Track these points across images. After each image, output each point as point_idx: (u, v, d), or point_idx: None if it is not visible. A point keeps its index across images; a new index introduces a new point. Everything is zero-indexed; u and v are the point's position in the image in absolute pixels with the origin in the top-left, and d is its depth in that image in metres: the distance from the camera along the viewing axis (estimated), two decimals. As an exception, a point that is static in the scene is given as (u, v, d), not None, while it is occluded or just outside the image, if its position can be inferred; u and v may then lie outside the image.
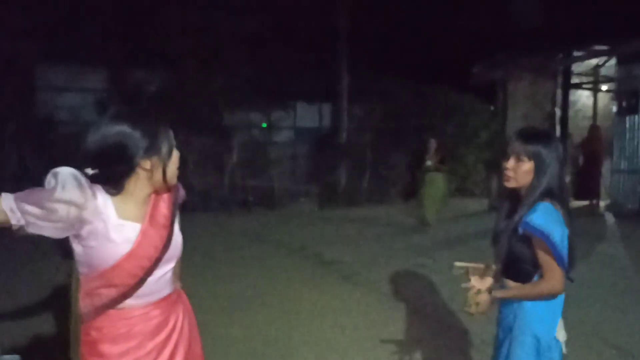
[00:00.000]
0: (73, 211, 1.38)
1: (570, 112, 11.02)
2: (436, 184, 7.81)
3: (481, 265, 1.95)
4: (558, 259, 1.76)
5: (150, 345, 1.57)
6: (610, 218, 9.10)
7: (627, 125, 9.20)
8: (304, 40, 10.64)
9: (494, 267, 1.95)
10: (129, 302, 1.53)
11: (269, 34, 10.01)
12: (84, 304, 1.56)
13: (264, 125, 11.30)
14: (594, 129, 10.42)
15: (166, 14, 9.51)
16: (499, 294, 1.89)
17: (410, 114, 11.51)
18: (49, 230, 1.37)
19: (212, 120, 9.92)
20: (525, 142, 1.87)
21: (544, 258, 1.79)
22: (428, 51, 11.79)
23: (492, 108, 11.85)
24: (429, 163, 7.84)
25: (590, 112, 11.55)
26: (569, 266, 1.83)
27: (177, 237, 1.65)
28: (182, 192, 1.71)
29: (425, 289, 4.91)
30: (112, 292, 1.51)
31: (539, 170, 1.84)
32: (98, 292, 1.51)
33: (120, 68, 9.92)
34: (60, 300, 3.99)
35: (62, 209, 1.36)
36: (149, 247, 1.52)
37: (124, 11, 9.48)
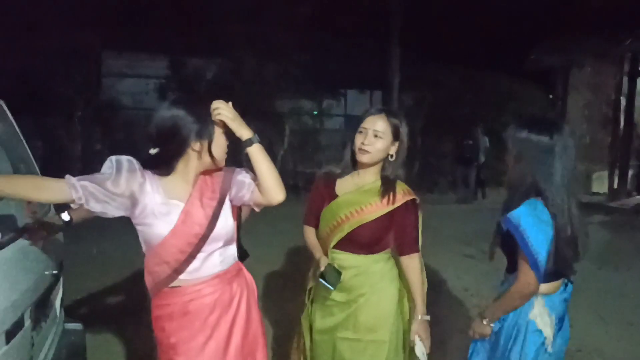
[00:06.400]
0: (126, 192, 1.55)
1: (637, 101, 10.39)
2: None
3: None
4: (530, 259, 1.64)
5: (205, 321, 1.66)
6: (677, 214, 8.57)
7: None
8: (355, 27, 10.60)
9: None
10: (182, 278, 1.63)
11: (320, 22, 10.06)
12: (147, 281, 1.69)
13: (315, 112, 11.42)
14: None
15: (222, 3, 9.77)
16: (486, 318, 1.86)
17: (462, 101, 11.24)
18: (107, 207, 1.53)
19: (264, 107, 10.14)
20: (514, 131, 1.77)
21: (519, 255, 1.70)
22: (482, 35, 11.36)
23: (550, 96, 11.36)
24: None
25: (659, 101, 10.87)
26: (567, 271, 1.76)
27: (226, 219, 1.69)
28: (238, 177, 1.72)
29: (473, 280, 4.87)
30: (165, 269, 1.62)
31: (519, 161, 1.74)
32: (154, 269, 1.64)
33: (179, 56, 10.33)
34: (124, 274, 4.30)
35: (117, 190, 1.53)
36: (193, 224, 1.60)
37: (183, 1, 9.82)
